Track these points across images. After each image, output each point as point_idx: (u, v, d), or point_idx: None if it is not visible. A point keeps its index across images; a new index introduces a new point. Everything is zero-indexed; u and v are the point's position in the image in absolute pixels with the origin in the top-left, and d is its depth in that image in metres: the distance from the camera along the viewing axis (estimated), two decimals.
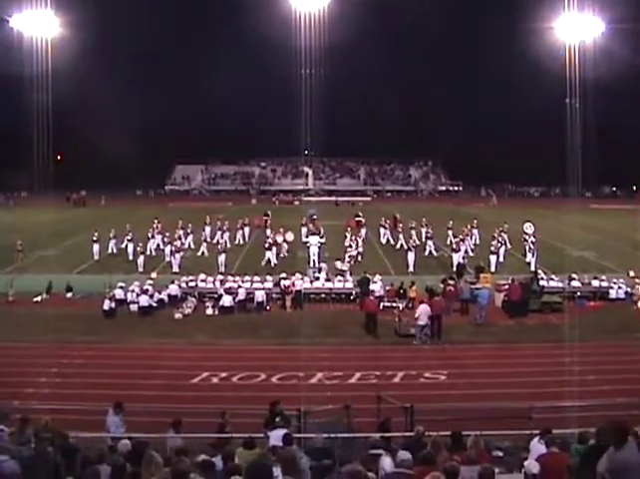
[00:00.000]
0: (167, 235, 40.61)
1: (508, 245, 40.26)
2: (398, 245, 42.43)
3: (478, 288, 29.65)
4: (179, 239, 40.65)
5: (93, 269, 37.17)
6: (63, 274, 34.35)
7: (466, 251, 39.05)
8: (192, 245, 41.16)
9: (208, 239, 42.61)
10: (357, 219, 49.30)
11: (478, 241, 42.01)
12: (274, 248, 38.80)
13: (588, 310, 29.66)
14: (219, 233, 43.32)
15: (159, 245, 40.77)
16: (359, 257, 38.61)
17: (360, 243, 40.71)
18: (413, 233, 41.87)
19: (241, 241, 44.03)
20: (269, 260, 38.10)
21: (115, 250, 40.91)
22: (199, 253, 40.03)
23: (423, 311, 24.93)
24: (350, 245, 39.73)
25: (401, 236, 43.40)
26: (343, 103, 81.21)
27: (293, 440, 11.04)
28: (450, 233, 42.58)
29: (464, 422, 12.38)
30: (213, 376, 21.04)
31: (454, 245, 38.32)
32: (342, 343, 24.52)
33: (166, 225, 43.89)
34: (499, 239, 39.24)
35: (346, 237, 41.88)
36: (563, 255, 38.99)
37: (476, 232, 42.81)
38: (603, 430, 8.52)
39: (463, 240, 39.18)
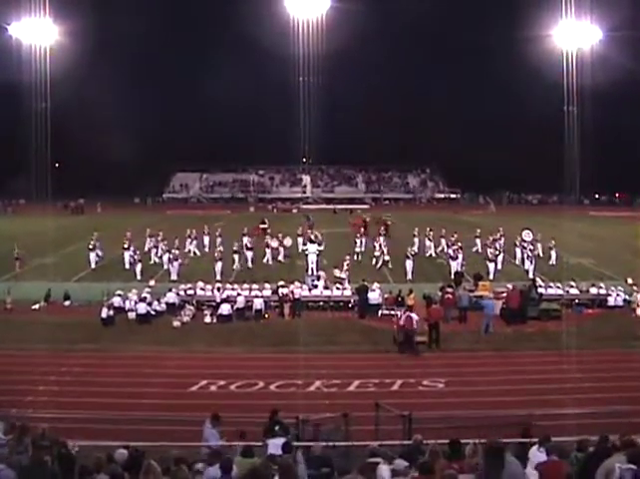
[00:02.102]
0: (166, 243, 40.47)
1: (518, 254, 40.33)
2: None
3: (477, 297, 29.77)
4: (152, 248, 40.68)
5: (91, 277, 37.15)
6: (61, 282, 34.33)
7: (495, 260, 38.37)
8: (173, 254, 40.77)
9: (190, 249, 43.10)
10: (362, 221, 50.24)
11: (503, 250, 41.69)
12: (237, 255, 38.94)
13: (586, 318, 29.64)
14: (188, 240, 43.47)
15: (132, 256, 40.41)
16: (384, 264, 39.00)
17: (384, 250, 40.30)
18: (416, 241, 42.45)
19: (207, 250, 43.42)
20: (241, 265, 38.91)
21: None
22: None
23: (406, 318, 24.98)
24: (356, 252, 41.23)
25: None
26: (341, 111, 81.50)
27: (292, 449, 11.04)
28: (478, 242, 42.20)
29: (462, 430, 12.35)
30: (212, 384, 21.00)
31: (452, 253, 38.29)
32: (340, 351, 24.47)
33: (164, 233, 43.80)
34: (497, 247, 39.28)
35: (355, 242, 42.75)
36: (561, 263, 39.03)
37: (502, 240, 42.25)
38: (485, 453, 8.58)
39: (461, 248, 39.12)
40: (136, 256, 38.10)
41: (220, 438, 13.44)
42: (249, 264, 39.76)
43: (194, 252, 42.80)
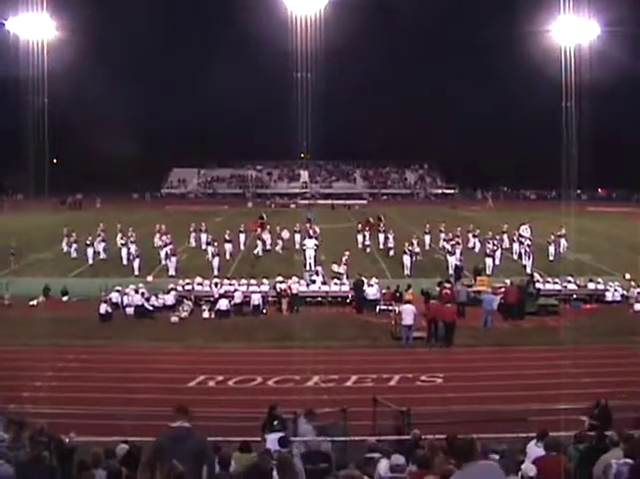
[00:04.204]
0: (164, 238, 40.42)
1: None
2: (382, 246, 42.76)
3: (475, 292, 29.82)
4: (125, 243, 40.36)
5: (89, 273, 37.14)
6: (59, 278, 34.28)
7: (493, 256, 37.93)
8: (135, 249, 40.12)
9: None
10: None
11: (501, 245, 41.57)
12: (217, 257, 37.49)
13: (584, 313, 29.69)
14: (157, 236, 43.08)
15: (105, 249, 40.63)
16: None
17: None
18: (426, 238, 43.22)
19: (193, 244, 43.88)
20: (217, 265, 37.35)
21: (76, 254, 40.68)
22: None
23: (407, 311, 24.96)
24: (365, 245, 42.56)
25: (382, 236, 43.47)
26: (339, 106, 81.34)
27: (289, 443, 11.03)
28: (493, 238, 41.72)
29: (460, 425, 12.37)
30: (210, 380, 21.01)
31: (449, 248, 38.24)
32: (338, 346, 24.50)
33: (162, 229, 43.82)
34: (495, 242, 39.24)
35: (365, 237, 43.49)
36: (559, 258, 39.01)
37: (522, 233, 42.06)
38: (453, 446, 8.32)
39: (459, 243, 39.11)
40: (133, 252, 38.08)
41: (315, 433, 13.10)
42: (227, 257, 39.70)
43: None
